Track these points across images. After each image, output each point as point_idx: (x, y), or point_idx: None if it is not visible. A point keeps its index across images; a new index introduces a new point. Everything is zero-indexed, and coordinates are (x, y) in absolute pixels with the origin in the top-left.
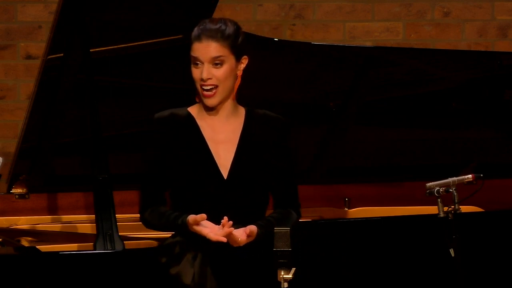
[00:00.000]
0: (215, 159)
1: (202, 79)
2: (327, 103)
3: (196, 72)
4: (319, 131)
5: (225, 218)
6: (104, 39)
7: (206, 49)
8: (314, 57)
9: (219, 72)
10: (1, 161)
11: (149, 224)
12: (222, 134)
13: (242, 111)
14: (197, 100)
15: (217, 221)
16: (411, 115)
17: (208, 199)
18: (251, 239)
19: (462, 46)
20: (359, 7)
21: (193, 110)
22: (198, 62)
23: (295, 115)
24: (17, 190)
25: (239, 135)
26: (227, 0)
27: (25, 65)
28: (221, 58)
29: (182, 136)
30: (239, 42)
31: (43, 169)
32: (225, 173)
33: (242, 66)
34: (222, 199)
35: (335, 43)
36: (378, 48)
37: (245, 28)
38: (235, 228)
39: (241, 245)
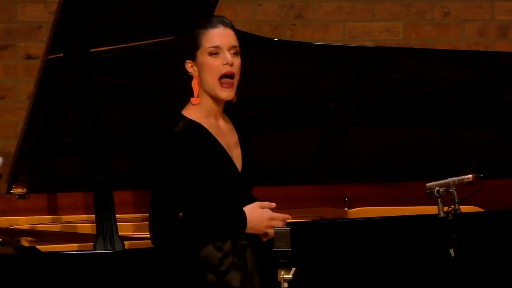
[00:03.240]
0: (234, 161)
1: (227, 63)
2: (327, 103)
3: (214, 61)
4: (319, 131)
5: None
6: (104, 39)
7: (226, 35)
8: (314, 57)
9: (237, 62)
10: (1, 161)
11: (168, 234)
12: (228, 135)
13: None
14: (194, 103)
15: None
16: (411, 115)
17: (231, 200)
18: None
19: (462, 46)
20: (359, 7)
21: (195, 116)
22: (217, 51)
23: (295, 115)
24: (17, 190)
25: (235, 132)
26: (227, 0)
27: (25, 65)
28: (237, 48)
29: (201, 147)
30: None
31: (43, 169)
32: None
33: None
34: (241, 197)
35: (335, 43)
36: (378, 48)
37: (245, 28)
38: None
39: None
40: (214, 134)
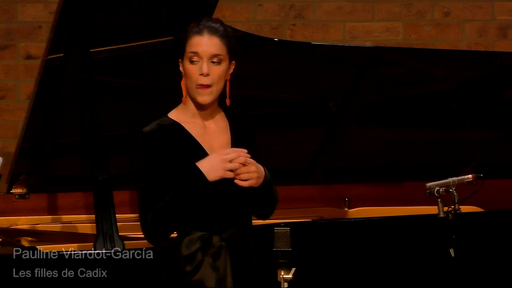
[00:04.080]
0: None
1: (201, 74)
2: (327, 103)
3: (192, 69)
4: (319, 131)
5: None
6: (104, 39)
7: (208, 44)
8: (314, 57)
9: (217, 70)
10: (1, 161)
11: (154, 225)
12: (215, 136)
13: (221, 111)
14: (183, 102)
15: (226, 219)
16: (411, 115)
17: (215, 204)
18: (254, 172)
19: (462, 46)
20: (359, 7)
21: (177, 117)
22: (196, 59)
23: (295, 115)
24: (17, 190)
25: (229, 135)
26: (227, 0)
27: (25, 65)
28: (220, 56)
29: (176, 146)
30: (233, 44)
31: (43, 169)
32: None
33: (231, 70)
34: (230, 198)
35: (335, 43)
36: (378, 48)
37: (245, 28)
38: (241, 227)
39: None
40: (196, 134)
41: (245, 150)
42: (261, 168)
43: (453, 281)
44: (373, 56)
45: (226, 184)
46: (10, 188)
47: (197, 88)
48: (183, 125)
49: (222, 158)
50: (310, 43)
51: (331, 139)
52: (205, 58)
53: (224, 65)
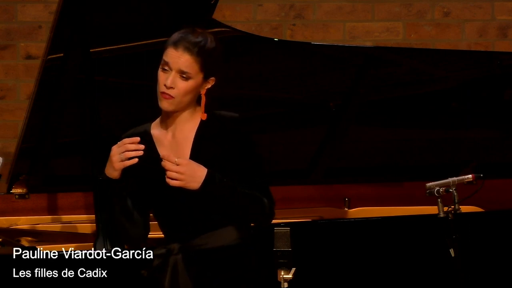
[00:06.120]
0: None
1: (165, 85)
2: (327, 103)
3: (162, 76)
4: (319, 131)
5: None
6: (104, 39)
7: (178, 59)
8: (314, 57)
9: (182, 85)
10: (1, 161)
11: (116, 226)
12: (176, 147)
13: (197, 117)
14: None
15: (184, 231)
16: (411, 115)
17: (169, 211)
18: (184, 167)
19: (462, 46)
20: (359, 7)
21: (153, 124)
22: (167, 68)
23: (295, 115)
24: (17, 190)
25: (190, 145)
26: (227, 0)
27: (25, 65)
28: (189, 74)
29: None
30: (213, 62)
31: (43, 169)
32: None
33: (208, 86)
34: (186, 209)
35: (335, 43)
36: (378, 48)
37: (245, 28)
38: (209, 235)
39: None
40: (157, 142)
41: (136, 139)
42: (198, 172)
43: (453, 281)
44: (373, 56)
45: (179, 189)
46: (10, 188)
47: (161, 93)
48: (152, 132)
49: (113, 151)
50: (310, 43)
51: (331, 139)
52: (174, 71)
53: (192, 82)
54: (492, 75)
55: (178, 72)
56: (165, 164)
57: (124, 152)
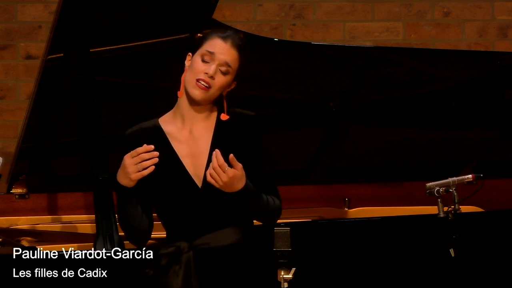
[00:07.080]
0: (187, 169)
1: (206, 73)
2: (327, 103)
3: (201, 65)
4: (319, 131)
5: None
6: (104, 39)
7: (227, 51)
8: (314, 57)
9: (220, 79)
10: (1, 161)
11: (121, 226)
12: (195, 143)
13: (213, 116)
14: (179, 96)
15: (184, 231)
16: (411, 115)
17: (185, 210)
18: (234, 176)
19: (462, 46)
20: (359, 7)
21: (163, 120)
22: (208, 59)
23: (295, 115)
24: (17, 190)
25: (210, 142)
26: (227, 0)
27: (25, 65)
28: (229, 68)
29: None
30: (243, 67)
31: (43, 169)
32: (199, 182)
33: (231, 87)
34: (200, 209)
35: (335, 43)
36: (378, 48)
37: (245, 28)
38: (219, 233)
39: (223, 179)
40: (173, 139)
41: (150, 148)
42: (238, 184)
43: (453, 281)
44: (373, 56)
45: (179, 189)
46: (10, 188)
47: (196, 81)
48: (163, 127)
49: (127, 162)
50: (310, 43)
51: (331, 139)
52: (217, 63)
53: (229, 78)
54: (492, 75)
55: (221, 65)
56: (215, 168)
57: (141, 163)
